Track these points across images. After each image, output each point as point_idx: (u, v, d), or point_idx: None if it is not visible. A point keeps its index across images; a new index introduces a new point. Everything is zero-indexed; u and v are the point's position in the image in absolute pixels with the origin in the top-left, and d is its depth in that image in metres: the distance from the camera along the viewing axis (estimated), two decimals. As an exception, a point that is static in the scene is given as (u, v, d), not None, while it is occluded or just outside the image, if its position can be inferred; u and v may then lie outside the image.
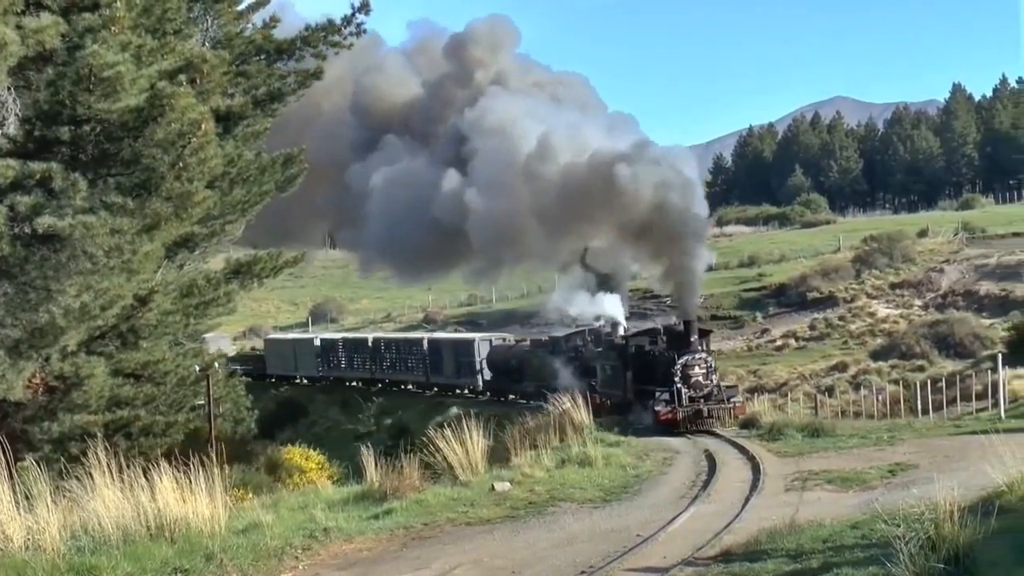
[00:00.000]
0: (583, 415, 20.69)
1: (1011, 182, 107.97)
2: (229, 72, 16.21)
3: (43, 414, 14.65)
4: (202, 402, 17.82)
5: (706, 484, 15.37)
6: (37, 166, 11.71)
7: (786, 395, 34.91)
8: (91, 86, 11.61)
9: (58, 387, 14.50)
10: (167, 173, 12.46)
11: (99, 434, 13.45)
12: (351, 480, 17.71)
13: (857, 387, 34.33)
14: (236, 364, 43.18)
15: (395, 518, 12.97)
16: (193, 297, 16.93)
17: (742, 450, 18.78)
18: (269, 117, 19.00)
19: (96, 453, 11.08)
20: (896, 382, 31.64)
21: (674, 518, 12.33)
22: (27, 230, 11.71)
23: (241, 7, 18.99)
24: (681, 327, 25.78)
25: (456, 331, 55.20)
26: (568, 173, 31.64)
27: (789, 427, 20.54)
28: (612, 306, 32.36)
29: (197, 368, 17.94)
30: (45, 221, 11.50)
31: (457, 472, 15.26)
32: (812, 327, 47.90)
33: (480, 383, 39.68)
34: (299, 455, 22.68)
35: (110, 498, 10.85)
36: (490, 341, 40.39)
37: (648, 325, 33.87)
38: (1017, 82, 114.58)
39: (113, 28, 12.14)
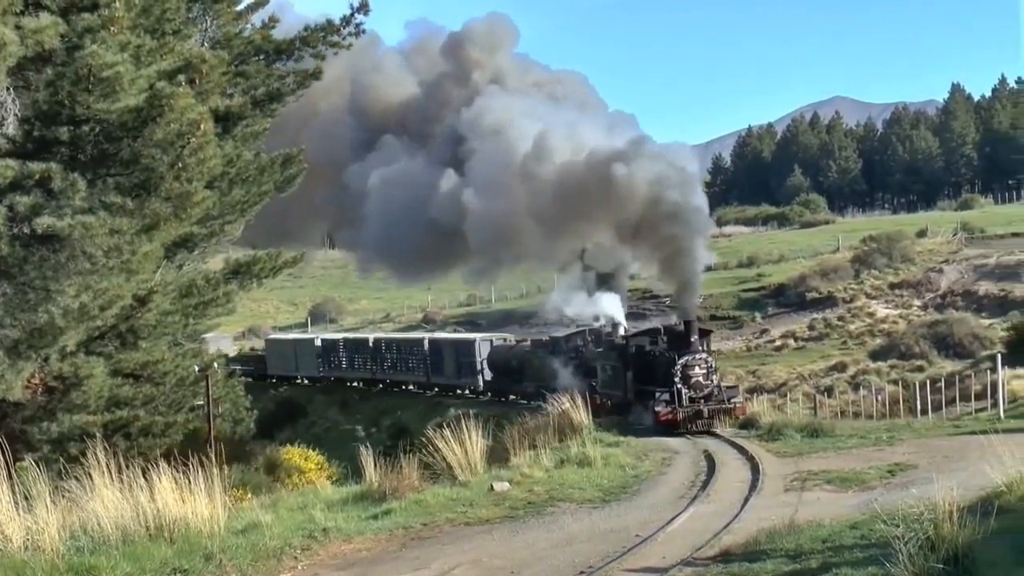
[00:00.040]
0: (582, 415, 20.69)
1: (1010, 182, 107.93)
2: (228, 72, 16.21)
3: (42, 414, 14.65)
4: (201, 402, 17.81)
5: (705, 484, 15.36)
6: (36, 166, 11.71)
7: (785, 395, 34.88)
8: (90, 86, 11.62)
9: (57, 387, 14.50)
10: (166, 173, 12.47)
11: (98, 434, 13.44)
12: (350, 480, 17.71)
13: (856, 387, 34.34)
14: (237, 364, 43.25)
15: (394, 518, 12.97)
16: (192, 297, 16.93)
17: (741, 450, 18.78)
18: (268, 117, 18.99)
19: (95, 453, 11.08)
20: (895, 382, 31.65)
21: (673, 518, 12.33)
22: (26, 230, 11.72)
23: (240, 7, 18.98)
24: (681, 327, 25.72)
25: (455, 331, 55.17)
26: (565, 172, 31.61)
27: (788, 427, 20.54)
28: (611, 306, 32.33)
29: (196, 368, 17.94)
30: (44, 221, 11.51)
31: (456, 472, 15.26)
32: (811, 327, 47.88)
33: (481, 383, 39.67)
34: (298, 455, 22.66)
35: (109, 498, 10.85)
36: (491, 341, 40.36)
37: (647, 325, 33.86)
38: (1016, 82, 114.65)
39: (112, 28, 12.15)
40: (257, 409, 24.35)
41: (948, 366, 35.96)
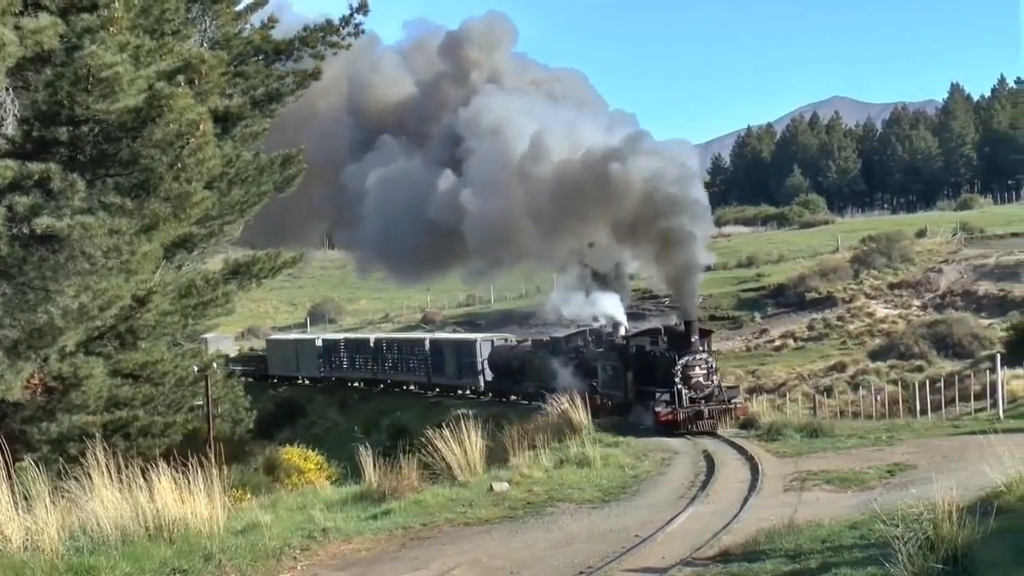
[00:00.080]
0: (581, 415, 20.69)
1: (1009, 182, 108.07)
2: (227, 73, 16.21)
3: (42, 414, 14.64)
4: (200, 402, 17.80)
5: (705, 484, 15.36)
6: (35, 167, 11.71)
7: (785, 395, 34.84)
8: (89, 87, 11.62)
9: (57, 387, 14.49)
10: (165, 174, 12.47)
11: (98, 434, 13.42)
12: (350, 480, 17.70)
13: (856, 387, 34.31)
14: (238, 364, 43.30)
15: (393, 518, 12.97)
16: (191, 298, 16.91)
17: (741, 450, 18.78)
18: (267, 118, 18.98)
19: (95, 453, 11.08)
20: (895, 382, 31.63)
21: (673, 518, 12.33)
22: (25, 231, 11.72)
23: (239, 8, 18.97)
24: (681, 327, 25.69)
25: (455, 331, 55.19)
26: (562, 171, 31.52)
27: (788, 427, 20.55)
28: (611, 306, 32.31)
29: (195, 368, 17.94)
30: (43, 222, 11.51)
31: (455, 472, 15.26)
32: (811, 327, 47.88)
33: (482, 384, 39.67)
34: (298, 455, 22.64)
35: (109, 498, 10.85)
36: (492, 342, 40.36)
37: (647, 325, 33.83)
38: (1016, 82, 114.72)
39: (111, 29, 12.15)
40: (257, 409, 24.31)
41: (947, 366, 35.92)
